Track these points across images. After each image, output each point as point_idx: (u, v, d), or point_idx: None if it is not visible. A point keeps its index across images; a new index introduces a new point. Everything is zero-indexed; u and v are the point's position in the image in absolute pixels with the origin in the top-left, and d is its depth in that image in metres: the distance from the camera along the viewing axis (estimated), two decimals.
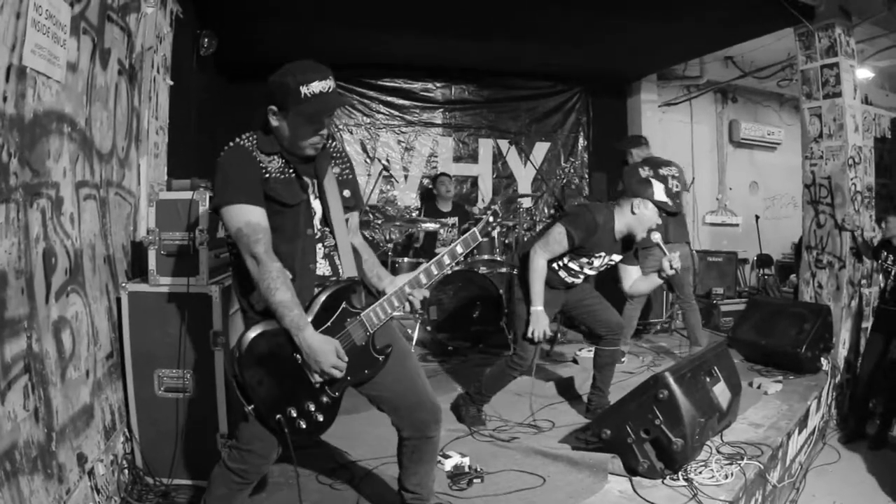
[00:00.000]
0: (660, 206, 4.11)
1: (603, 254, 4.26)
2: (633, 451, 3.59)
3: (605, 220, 4.20)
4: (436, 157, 8.99)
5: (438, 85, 8.98)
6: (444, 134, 9.07)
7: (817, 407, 5.27)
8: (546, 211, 9.03)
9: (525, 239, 5.23)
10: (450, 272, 6.26)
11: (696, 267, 7.53)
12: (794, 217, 9.49)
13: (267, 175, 2.41)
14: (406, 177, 8.89)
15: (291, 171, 2.48)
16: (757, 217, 9.67)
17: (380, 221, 8.35)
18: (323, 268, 2.54)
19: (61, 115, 2.85)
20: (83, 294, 3.10)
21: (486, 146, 9.21)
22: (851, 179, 5.99)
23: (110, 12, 3.41)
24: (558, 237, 4.16)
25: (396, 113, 8.83)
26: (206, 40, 6.02)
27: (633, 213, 4.16)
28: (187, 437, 3.49)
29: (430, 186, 8.26)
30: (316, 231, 2.54)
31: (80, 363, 3.03)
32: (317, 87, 2.33)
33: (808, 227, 6.39)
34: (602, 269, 4.41)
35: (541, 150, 9.36)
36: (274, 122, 2.40)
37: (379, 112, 8.75)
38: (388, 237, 6.83)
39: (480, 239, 2.73)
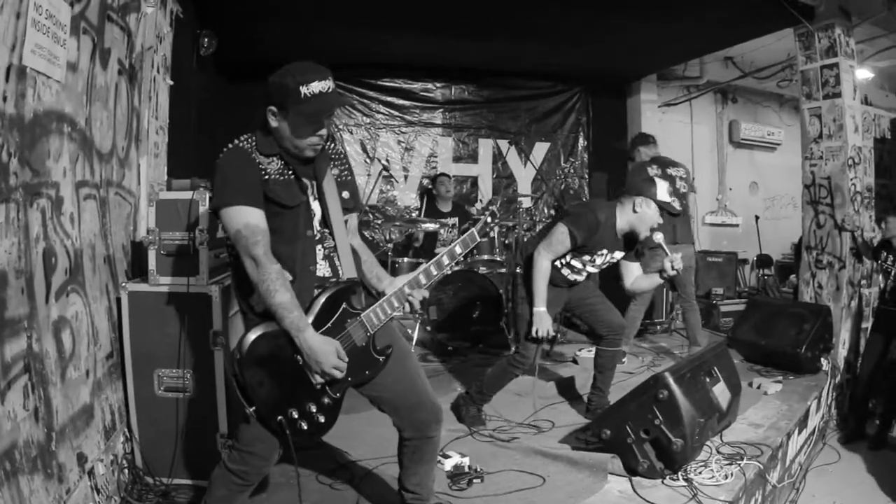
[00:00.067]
0: (662, 206, 4.11)
1: (605, 251, 4.27)
2: (633, 451, 3.59)
3: (607, 217, 4.20)
4: (435, 157, 8.99)
5: (438, 85, 8.98)
6: (443, 134, 9.06)
7: (817, 407, 5.27)
8: (546, 211, 9.03)
9: (525, 239, 5.22)
10: (449, 272, 6.27)
11: (698, 267, 7.53)
12: (793, 217, 9.48)
13: (266, 177, 2.41)
14: (406, 177, 8.89)
15: (290, 172, 2.48)
16: (757, 217, 9.67)
17: (379, 221, 8.37)
18: (323, 269, 2.54)
19: (61, 114, 2.85)
20: (83, 294, 3.10)
21: (485, 146, 9.21)
22: (851, 180, 5.99)
23: (110, 12, 3.41)
24: (561, 237, 4.16)
25: (396, 113, 8.83)
26: (205, 40, 6.02)
27: (634, 211, 4.16)
28: (187, 437, 3.50)
29: (430, 186, 8.26)
30: (315, 232, 2.54)
31: (80, 363, 3.04)
32: (316, 87, 2.33)
33: (807, 227, 6.39)
34: (604, 266, 4.41)
35: (541, 150, 9.35)
36: (273, 122, 2.40)
37: (379, 112, 8.75)
38: (387, 237, 6.83)
39: (479, 239, 2.73)
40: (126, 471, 3.45)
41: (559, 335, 6.95)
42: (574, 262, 4.30)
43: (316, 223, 2.55)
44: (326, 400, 2.46)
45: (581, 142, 9.54)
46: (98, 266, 3.30)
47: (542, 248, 4.20)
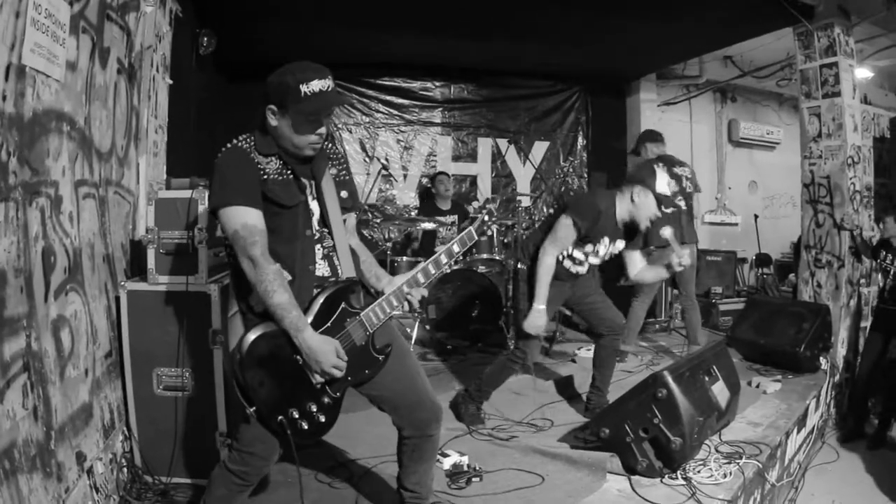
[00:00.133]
0: (659, 198, 4.11)
1: (606, 239, 4.26)
2: (632, 450, 3.60)
3: (607, 206, 4.21)
4: (435, 156, 8.99)
5: (437, 84, 8.98)
6: (443, 133, 9.06)
7: (816, 406, 5.28)
8: (545, 210, 9.03)
9: (524, 237, 5.20)
10: (448, 271, 6.28)
11: (698, 266, 7.54)
12: (792, 216, 9.50)
13: (265, 177, 2.41)
14: (405, 176, 8.89)
15: (289, 172, 2.48)
16: (756, 216, 9.67)
17: (379, 220, 8.38)
18: (322, 269, 2.54)
19: (60, 113, 2.85)
20: (82, 293, 3.10)
21: (484, 145, 9.21)
22: (850, 179, 5.99)
23: (109, 11, 3.41)
24: (566, 230, 4.15)
25: (395, 112, 8.83)
26: (205, 39, 6.02)
27: (633, 200, 4.16)
28: (186, 436, 3.50)
29: (429, 185, 8.27)
30: (314, 232, 2.54)
31: (79, 362, 3.04)
32: (316, 85, 2.33)
33: (806, 226, 6.39)
34: (607, 257, 4.39)
35: (540, 149, 9.36)
36: (273, 121, 2.40)
37: (378, 111, 8.75)
38: (386, 236, 6.84)
39: (476, 237, 2.74)
40: (125, 469, 3.45)
41: (558, 334, 6.96)
42: (576, 253, 4.28)
43: (315, 223, 2.55)
44: (327, 399, 2.47)
45: (580, 141, 9.54)
46: (97, 265, 3.30)
47: (547, 244, 4.18)
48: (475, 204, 8.45)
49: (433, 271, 2.64)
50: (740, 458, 3.77)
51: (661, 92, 9.68)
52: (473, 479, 3.60)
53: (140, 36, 3.95)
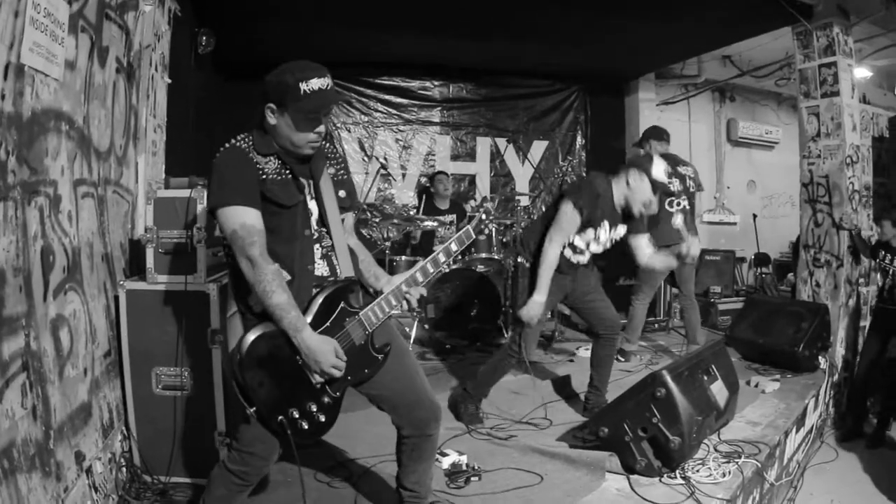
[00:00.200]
0: (656, 184, 4.11)
1: (606, 223, 4.23)
2: (631, 450, 3.60)
3: (604, 189, 4.21)
4: (433, 155, 9.00)
5: (436, 83, 8.98)
6: (441, 132, 9.07)
7: (815, 405, 5.28)
8: (543, 209, 9.03)
9: (522, 232, 5.17)
10: (446, 270, 6.29)
11: (697, 265, 7.54)
12: (791, 216, 9.50)
13: (264, 176, 2.41)
14: (404, 175, 8.89)
15: (288, 171, 2.48)
16: (755, 216, 9.67)
17: (377, 220, 8.38)
18: (321, 268, 2.54)
19: (59, 113, 2.85)
20: (81, 292, 3.10)
21: (483, 144, 9.22)
22: (849, 178, 5.99)
23: (108, 10, 3.40)
24: (570, 216, 4.13)
25: (394, 111, 8.83)
26: (204, 39, 6.01)
27: (628, 184, 4.15)
28: (185, 436, 3.49)
29: (428, 185, 8.27)
30: (313, 232, 2.54)
31: (79, 361, 3.03)
32: (316, 83, 2.34)
33: (805, 225, 6.39)
34: (608, 244, 4.34)
35: (538, 148, 9.37)
36: (272, 119, 2.40)
37: (377, 110, 8.75)
38: (385, 235, 6.83)
39: (474, 236, 2.75)
40: (124, 469, 3.45)
41: (558, 333, 6.97)
42: (577, 241, 4.24)
43: (313, 222, 2.55)
44: (326, 399, 2.47)
45: (579, 140, 9.55)
46: (96, 264, 3.30)
47: (553, 234, 4.16)
48: (472, 203, 8.47)
49: (431, 270, 2.64)
50: (739, 457, 3.77)
51: (659, 91, 9.68)
52: (472, 479, 3.60)
53: (139, 35, 3.95)
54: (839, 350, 6.08)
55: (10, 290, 2.39)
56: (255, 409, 2.35)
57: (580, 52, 7.83)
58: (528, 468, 3.74)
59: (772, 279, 9.70)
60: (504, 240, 7.11)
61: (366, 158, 8.67)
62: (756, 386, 5.23)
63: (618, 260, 7.09)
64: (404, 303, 2.62)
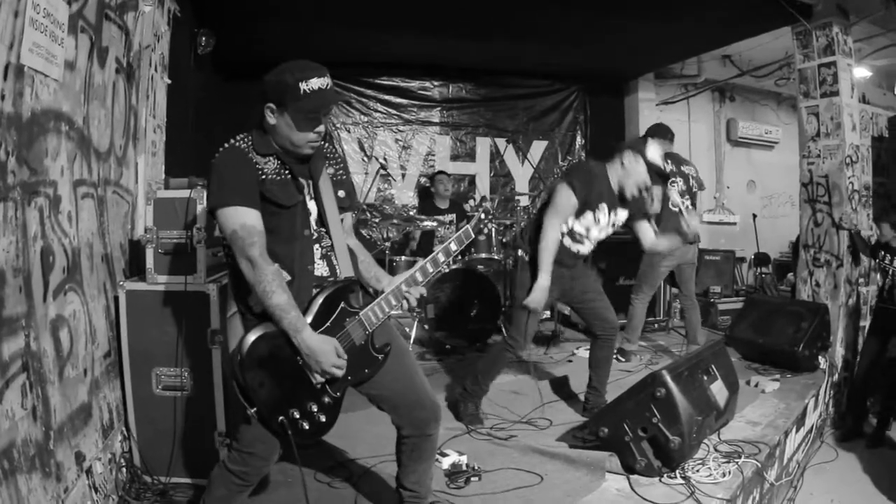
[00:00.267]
0: (651, 166, 4.10)
1: (605, 206, 4.19)
2: (631, 450, 3.60)
3: (599, 171, 4.21)
4: (433, 155, 9.00)
5: (436, 83, 8.99)
6: (441, 132, 9.07)
7: (815, 405, 5.28)
8: (541, 205, 9.03)
9: (523, 226, 5.15)
10: (446, 270, 6.28)
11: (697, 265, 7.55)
12: (791, 216, 9.50)
13: (263, 177, 2.41)
14: (403, 175, 8.89)
15: (287, 172, 2.48)
16: (754, 216, 9.67)
17: (377, 220, 8.38)
18: (321, 268, 2.54)
19: (59, 113, 2.85)
20: (81, 292, 3.10)
21: (483, 145, 9.22)
22: (849, 178, 5.99)
23: (108, 10, 3.40)
24: (565, 196, 4.11)
25: (394, 111, 8.83)
26: (203, 39, 6.02)
27: (622, 165, 4.15)
28: (185, 436, 3.49)
29: (428, 185, 8.27)
30: (313, 232, 2.54)
31: (78, 362, 3.03)
32: (315, 83, 2.34)
33: (805, 225, 6.39)
34: (610, 229, 4.31)
35: (538, 148, 9.37)
36: (271, 119, 2.40)
37: (376, 111, 8.76)
38: (385, 235, 6.83)
39: (473, 236, 2.76)
40: (124, 469, 3.45)
41: (557, 333, 6.97)
42: (576, 227, 4.20)
43: (312, 222, 2.55)
44: (327, 399, 2.47)
45: (578, 140, 9.55)
46: (96, 265, 3.30)
47: (549, 216, 4.14)
48: (471, 202, 8.47)
49: (431, 270, 2.64)
50: (739, 457, 3.77)
51: (659, 91, 9.68)
52: (472, 479, 3.60)
53: (138, 35, 3.95)
54: (839, 350, 6.08)
55: (9, 290, 2.39)
56: (255, 409, 2.35)
57: (580, 52, 7.83)
58: (528, 468, 3.74)
59: (772, 279, 9.70)
60: (504, 240, 7.11)
61: (365, 159, 8.67)
62: (756, 386, 5.23)
63: (618, 260, 7.15)
64: (404, 302, 2.62)
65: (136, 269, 3.79)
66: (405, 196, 8.84)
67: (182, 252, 3.50)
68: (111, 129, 3.56)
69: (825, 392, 5.71)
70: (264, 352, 2.34)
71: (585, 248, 4.33)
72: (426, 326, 6.43)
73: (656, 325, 7.54)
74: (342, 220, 2.66)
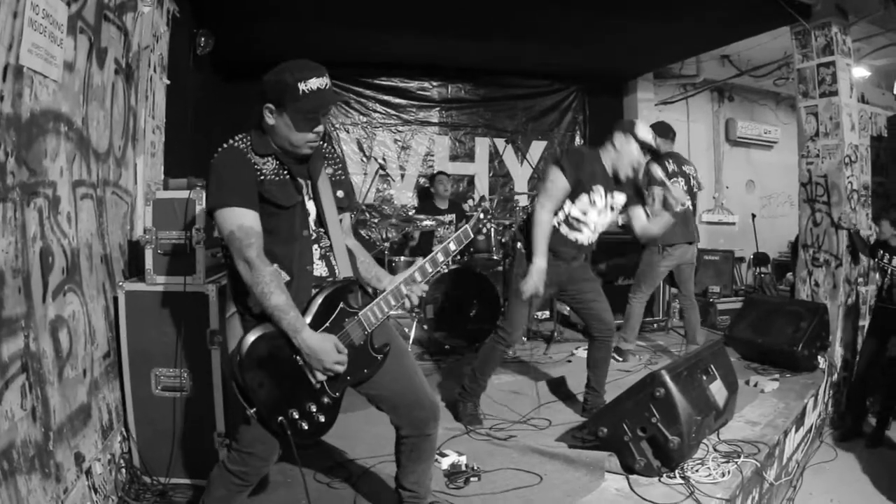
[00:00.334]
0: (643, 143, 4.09)
1: (600, 188, 4.15)
2: (630, 449, 3.60)
3: (592, 154, 4.20)
4: (432, 155, 9.01)
5: (435, 84, 8.99)
6: (440, 133, 9.08)
7: (814, 405, 5.29)
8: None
9: (522, 222, 5.15)
10: (445, 270, 6.28)
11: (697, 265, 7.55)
12: (790, 215, 9.51)
13: (262, 177, 2.41)
14: (402, 176, 8.90)
15: (286, 172, 2.48)
16: (753, 215, 9.68)
17: (376, 220, 8.38)
18: (319, 269, 2.54)
19: (58, 114, 2.85)
20: (80, 293, 3.09)
21: (482, 145, 9.22)
22: (848, 178, 6.00)
23: (107, 11, 3.40)
24: (554, 179, 4.09)
25: (393, 112, 8.84)
26: (202, 39, 6.01)
27: (614, 147, 4.15)
28: (184, 437, 3.49)
29: (428, 185, 8.27)
30: (311, 232, 2.54)
31: (78, 362, 3.03)
32: (314, 83, 2.34)
33: (804, 225, 6.40)
34: (608, 214, 4.25)
35: (537, 148, 9.37)
36: (270, 119, 2.40)
37: (375, 111, 8.76)
38: (384, 236, 6.83)
39: (472, 235, 2.76)
40: (123, 470, 3.45)
41: (557, 334, 6.97)
42: (573, 212, 4.15)
43: (311, 223, 2.55)
44: (326, 399, 2.47)
45: (577, 140, 9.55)
46: (95, 265, 3.30)
47: (540, 198, 4.13)
48: (469, 202, 8.46)
49: (430, 270, 2.64)
50: (738, 456, 3.77)
51: (658, 91, 9.69)
52: (472, 479, 3.60)
53: (137, 36, 3.95)
54: (838, 349, 6.08)
55: (9, 291, 2.39)
56: (255, 409, 2.35)
57: (580, 52, 7.84)
58: (528, 468, 3.74)
59: (771, 279, 9.71)
60: (503, 240, 7.11)
61: (364, 159, 8.67)
62: (755, 385, 5.23)
63: (617, 260, 7.16)
64: (406, 301, 2.61)
65: (135, 269, 3.79)
66: (404, 196, 8.84)
67: (181, 253, 3.49)
68: (110, 129, 3.55)
69: (824, 392, 5.71)
70: (263, 352, 2.34)
71: (585, 237, 4.25)
72: (425, 327, 6.44)
73: (655, 325, 7.55)
74: (341, 220, 2.66)
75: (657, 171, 4.10)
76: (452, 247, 2.71)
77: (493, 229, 6.84)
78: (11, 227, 2.41)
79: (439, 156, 9.01)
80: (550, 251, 4.11)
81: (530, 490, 3.50)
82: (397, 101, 8.85)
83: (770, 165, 10.54)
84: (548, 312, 7.52)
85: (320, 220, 2.57)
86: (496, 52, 7.91)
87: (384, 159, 8.65)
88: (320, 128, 2.43)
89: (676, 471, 3.56)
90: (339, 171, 2.74)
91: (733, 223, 10.29)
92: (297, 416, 2.40)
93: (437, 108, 9.05)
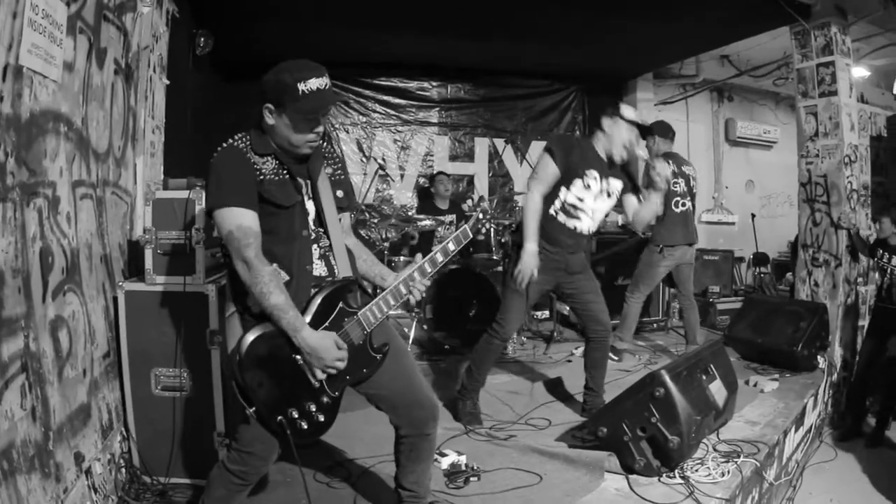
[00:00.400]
0: (630, 122, 4.10)
1: (595, 173, 4.13)
2: (630, 449, 3.60)
3: (583, 141, 4.23)
4: (432, 155, 9.01)
5: (434, 84, 8.99)
6: (440, 133, 9.08)
7: (814, 405, 5.29)
8: None
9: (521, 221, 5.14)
10: (444, 270, 6.28)
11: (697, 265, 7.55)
12: (790, 215, 9.51)
13: (261, 177, 2.41)
14: (402, 176, 8.90)
15: (285, 172, 2.48)
16: (753, 215, 9.69)
17: (376, 220, 8.38)
18: (319, 269, 2.54)
19: (58, 114, 2.85)
20: (80, 293, 3.09)
21: (482, 145, 9.22)
22: (847, 178, 6.00)
23: (106, 11, 3.40)
24: (543, 162, 4.10)
25: (392, 112, 8.84)
26: (202, 39, 6.01)
27: (603, 131, 4.16)
28: (184, 436, 3.49)
29: (428, 185, 8.27)
30: (311, 232, 2.54)
31: (78, 362, 3.03)
32: (314, 83, 2.33)
33: (804, 225, 6.40)
34: (606, 199, 4.22)
35: (537, 148, 9.32)
36: (270, 120, 2.40)
37: (375, 111, 8.76)
38: (384, 236, 6.83)
39: (472, 235, 2.76)
40: (123, 470, 3.45)
41: (556, 334, 6.97)
42: (568, 198, 4.12)
43: (311, 223, 2.55)
44: (325, 399, 2.47)
45: None
46: (95, 265, 3.30)
47: (530, 182, 4.13)
48: (468, 202, 8.45)
49: (429, 269, 2.65)
50: (738, 456, 3.77)
51: (657, 91, 9.69)
52: (471, 479, 3.60)
53: (137, 36, 3.95)
54: (838, 349, 6.08)
55: (8, 291, 2.39)
56: (254, 409, 2.35)
57: (580, 52, 7.84)
58: (528, 468, 3.73)
59: (770, 279, 9.71)
60: (503, 240, 7.11)
61: (364, 159, 8.67)
62: (755, 385, 5.23)
63: (616, 260, 7.16)
64: (410, 297, 2.62)
65: (134, 269, 3.79)
66: (404, 196, 8.84)
67: (181, 253, 3.49)
68: (110, 129, 3.55)
69: (824, 392, 5.71)
70: (263, 352, 2.34)
71: (585, 224, 4.21)
72: (425, 327, 6.44)
73: (655, 325, 7.55)
74: (340, 220, 2.66)
75: (640, 153, 4.09)
76: (451, 247, 2.72)
77: (492, 229, 6.84)
78: (11, 227, 2.41)
79: (439, 156, 9.01)
80: (549, 240, 4.11)
81: (530, 490, 3.50)
82: (397, 101, 8.85)
83: (769, 165, 10.54)
84: (547, 312, 7.52)
85: (320, 220, 2.57)
86: (496, 52, 7.91)
87: (384, 159, 8.65)
88: (320, 128, 2.44)
89: (676, 470, 3.56)
90: (339, 171, 2.74)
91: (733, 223, 10.29)
92: (296, 416, 2.40)
93: (437, 109, 9.05)
